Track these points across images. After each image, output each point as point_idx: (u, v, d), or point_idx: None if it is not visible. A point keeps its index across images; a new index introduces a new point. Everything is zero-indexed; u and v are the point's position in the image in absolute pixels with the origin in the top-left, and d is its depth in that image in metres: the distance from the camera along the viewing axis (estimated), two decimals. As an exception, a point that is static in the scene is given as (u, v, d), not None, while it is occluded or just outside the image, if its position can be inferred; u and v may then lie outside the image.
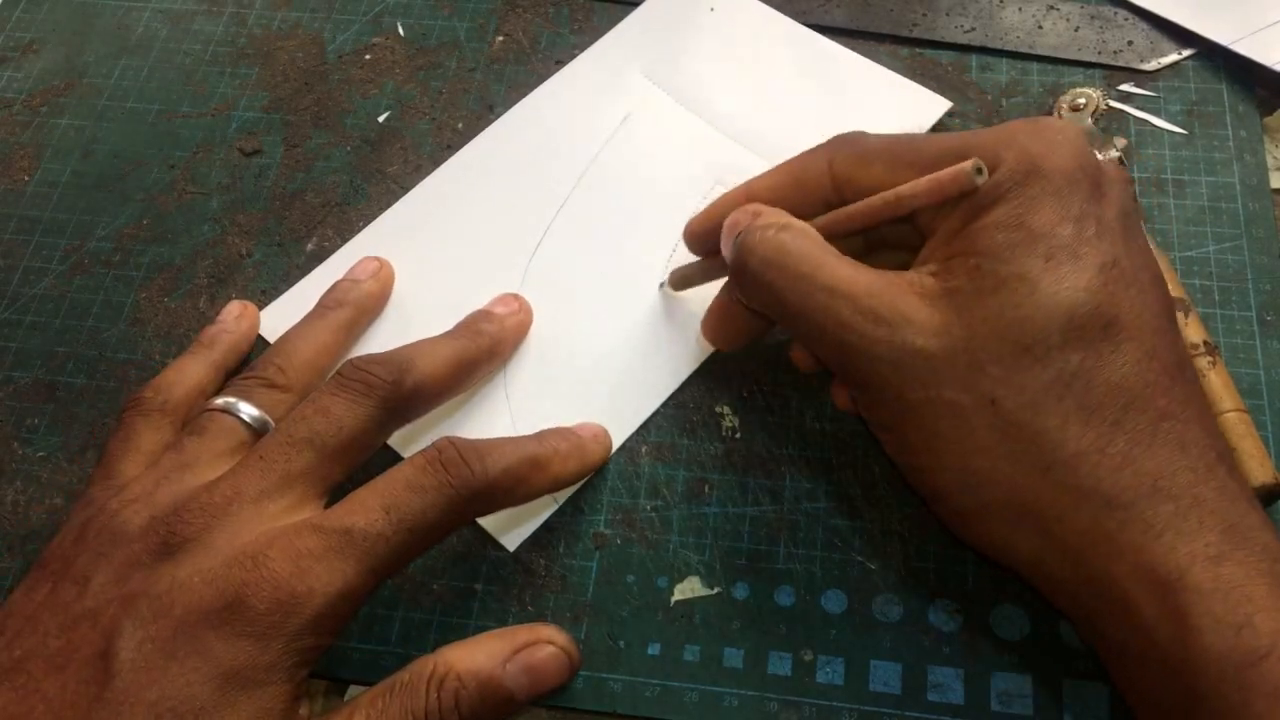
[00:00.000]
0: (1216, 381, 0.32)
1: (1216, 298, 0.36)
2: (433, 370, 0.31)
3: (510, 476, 0.29)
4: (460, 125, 0.42)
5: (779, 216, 0.29)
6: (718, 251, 0.32)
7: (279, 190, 0.41)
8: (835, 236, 0.29)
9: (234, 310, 0.37)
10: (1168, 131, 0.39)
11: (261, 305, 0.38)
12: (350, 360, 0.31)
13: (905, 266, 0.28)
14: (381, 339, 0.37)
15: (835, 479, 0.33)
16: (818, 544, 0.32)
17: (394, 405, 0.30)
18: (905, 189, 0.27)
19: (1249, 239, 0.37)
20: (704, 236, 0.33)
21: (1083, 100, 0.39)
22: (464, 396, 0.35)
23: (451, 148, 0.42)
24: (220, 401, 0.31)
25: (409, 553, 0.28)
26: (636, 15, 0.44)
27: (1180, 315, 0.33)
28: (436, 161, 0.41)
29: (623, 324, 0.37)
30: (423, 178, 0.41)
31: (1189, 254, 0.37)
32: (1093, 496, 0.24)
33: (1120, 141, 0.38)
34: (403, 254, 0.38)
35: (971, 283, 0.26)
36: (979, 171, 0.26)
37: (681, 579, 0.32)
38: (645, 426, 0.35)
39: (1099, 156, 0.28)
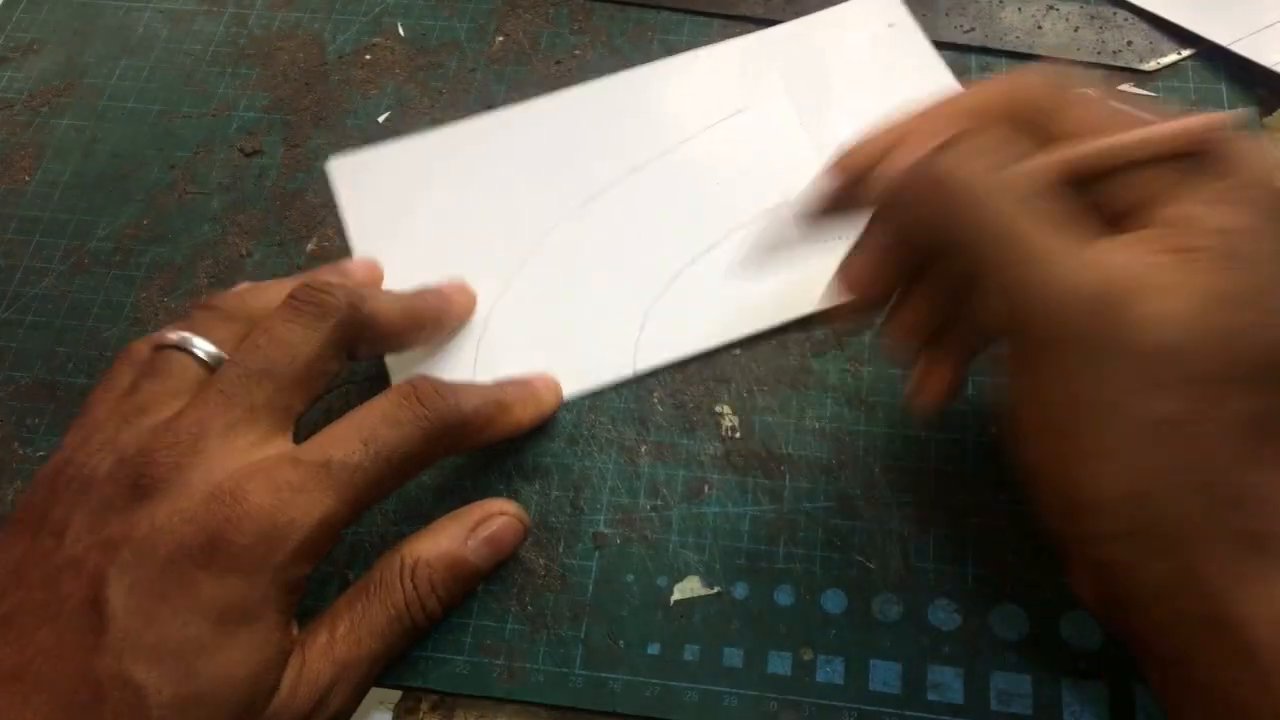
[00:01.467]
0: None
1: None
2: (386, 307, 0.31)
3: (480, 415, 0.30)
4: (460, 125, 0.42)
5: (979, 139, 0.24)
6: (857, 193, 0.27)
7: (279, 190, 0.41)
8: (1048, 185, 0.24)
9: (365, 264, 0.37)
10: (1167, 131, 0.39)
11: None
12: (303, 281, 0.30)
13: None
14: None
15: (835, 479, 0.33)
16: (818, 544, 0.32)
17: (348, 331, 0.30)
18: (1161, 129, 0.22)
19: (1249, 239, 0.37)
20: (855, 169, 0.27)
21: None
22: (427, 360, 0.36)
23: (452, 148, 0.42)
24: (175, 337, 0.30)
25: (386, 484, 0.28)
26: (800, 22, 0.43)
27: None
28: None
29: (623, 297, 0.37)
30: (423, 178, 0.41)
31: (1189, 254, 0.36)
32: (1266, 548, 0.22)
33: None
34: (447, 172, 0.41)
35: (1213, 283, 0.21)
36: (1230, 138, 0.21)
37: (681, 579, 0.32)
38: (645, 425, 0.35)
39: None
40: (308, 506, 0.26)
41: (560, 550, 0.33)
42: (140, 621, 0.25)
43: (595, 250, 0.38)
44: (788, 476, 0.33)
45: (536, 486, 0.34)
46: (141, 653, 0.24)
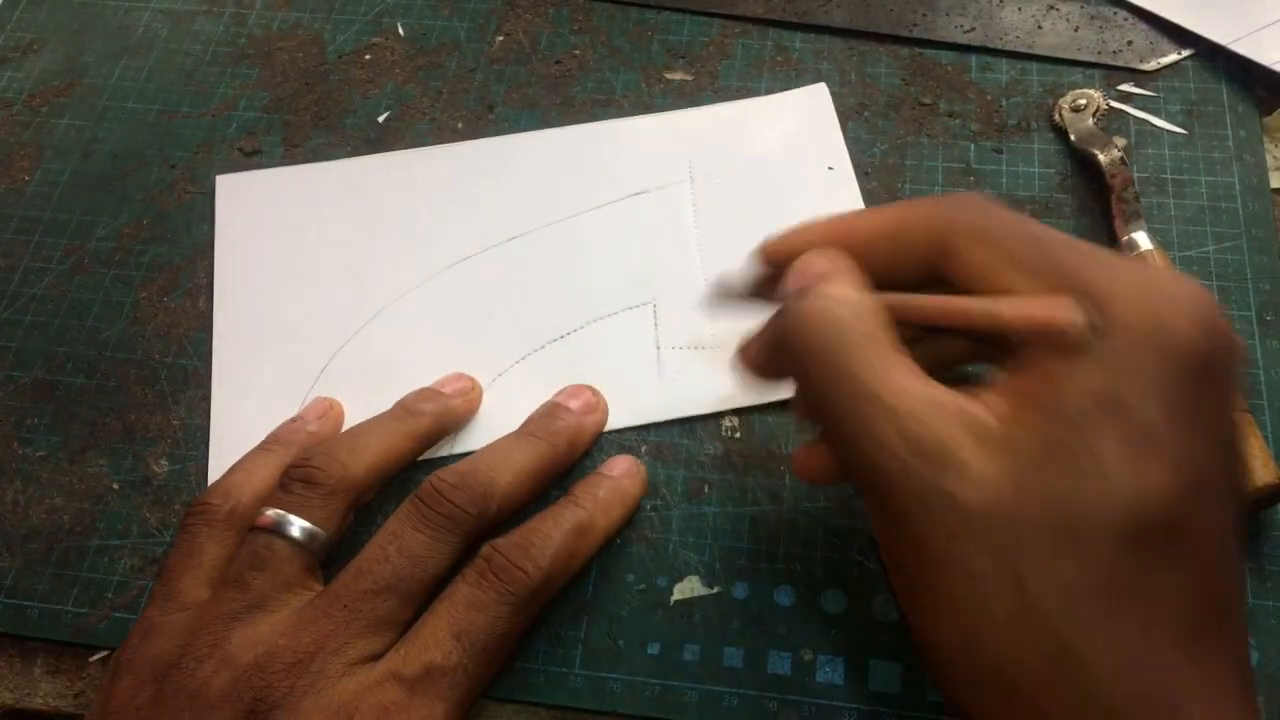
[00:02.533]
0: None
1: (1216, 297, 0.35)
2: (513, 489, 0.31)
3: (561, 559, 0.29)
4: (460, 125, 0.42)
5: (848, 287, 0.25)
6: (777, 279, 0.28)
7: (279, 190, 0.41)
8: (906, 323, 0.25)
9: (318, 409, 0.35)
10: (1167, 131, 0.39)
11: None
12: (430, 483, 0.30)
13: (963, 360, 0.26)
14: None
15: (835, 479, 0.33)
16: (818, 544, 0.32)
17: (477, 535, 0.30)
18: (1005, 312, 0.24)
19: (1248, 239, 0.37)
20: (776, 259, 0.28)
21: (1083, 101, 0.39)
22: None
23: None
24: (271, 516, 0.29)
25: (489, 672, 0.28)
26: (729, 106, 0.42)
27: None
28: (436, 161, 0.41)
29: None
30: (422, 178, 0.41)
31: (1188, 254, 0.37)
32: (1096, 701, 0.22)
33: (1120, 141, 0.38)
34: (328, 206, 0.40)
35: (1037, 443, 0.22)
36: (1092, 329, 0.22)
37: (681, 579, 0.32)
38: (645, 426, 0.35)
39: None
40: (427, 712, 0.26)
41: (560, 550, 0.33)
42: None
43: (445, 318, 0.37)
44: (788, 476, 0.33)
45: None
46: None
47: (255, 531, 0.29)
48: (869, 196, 0.39)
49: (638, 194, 0.39)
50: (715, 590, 0.32)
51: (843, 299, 0.25)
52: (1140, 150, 0.39)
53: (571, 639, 0.31)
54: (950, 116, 0.41)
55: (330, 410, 0.35)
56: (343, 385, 0.36)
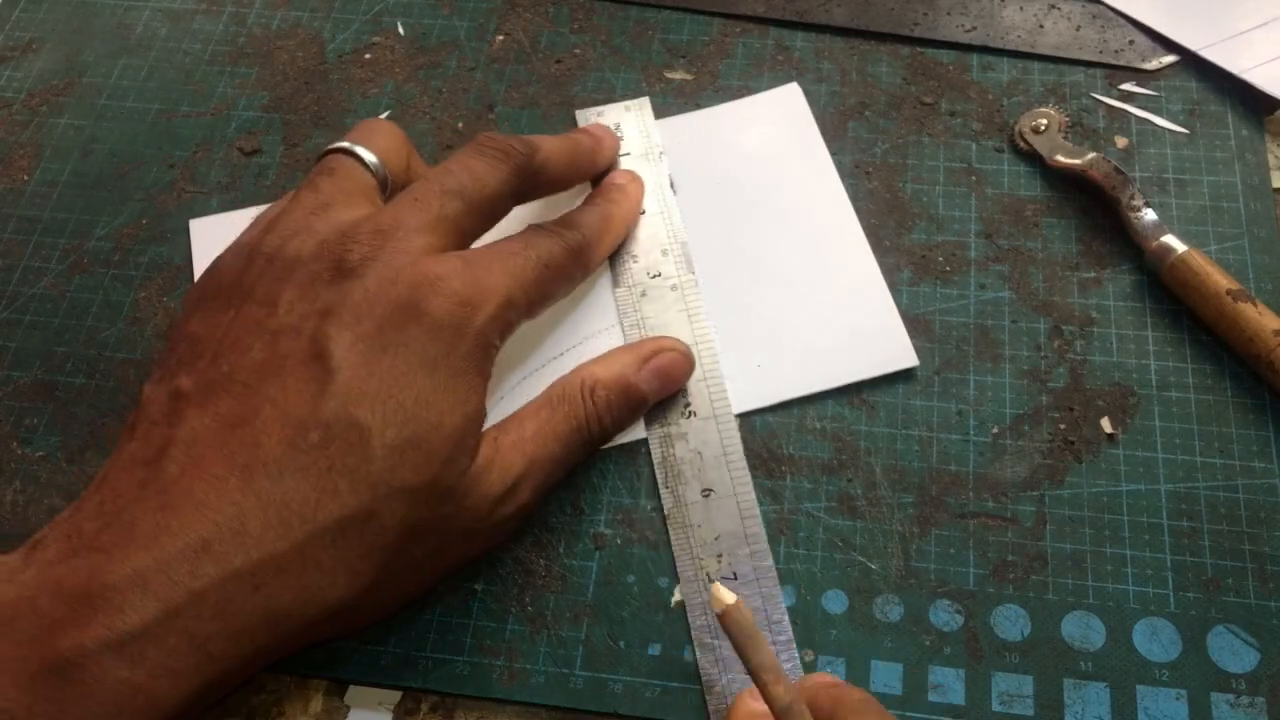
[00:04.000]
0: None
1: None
2: (555, 154, 0.34)
3: (606, 242, 0.35)
4: (460, 124, 0.42)
5: None
6: None
7: (279, 190, 0.41)
8: None
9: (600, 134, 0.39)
10: (1169, 131, 0.39)
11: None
12: (483, 133, 0.33)
13: None
14: None
15: (835, 479, 0.33)
16: (818, 544, 0.32)
17: (525, 175, 0.33)
18: None
19: (1250, 238, 0.37)
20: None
21: (1043, 121, 0.39)
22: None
23: (452, 147, 0.42)
24: (344, 143, 0.33)
25: (544, 291, 0.32)
26: (695, 116, 0.41)
27: (1250, 305, 0.33)
28: (436, 161, 0.41)
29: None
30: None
31: (1190, 253, 0.36)
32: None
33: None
34: None
35: None
36: None
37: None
38: (645, 426, 0.35)
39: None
40: (492, 284, 0.30)
41: (561, 551, 0.33)
42: (363, 371, 0.27)
43: None
44: (788, 477, 0.33)
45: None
46: (366, 399, 0.27)
47: (330, 153, 0.33)
48: (870, 195, 0.39)
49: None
50: (716, 591, 0.31)
51: None
52: (1142, 150, 0.39)
53: (572, 640, 0.31)
54: (951, 116, 0.41)
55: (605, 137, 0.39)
56: None
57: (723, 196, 0.39)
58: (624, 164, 0.39)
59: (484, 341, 0.29)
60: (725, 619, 0.26)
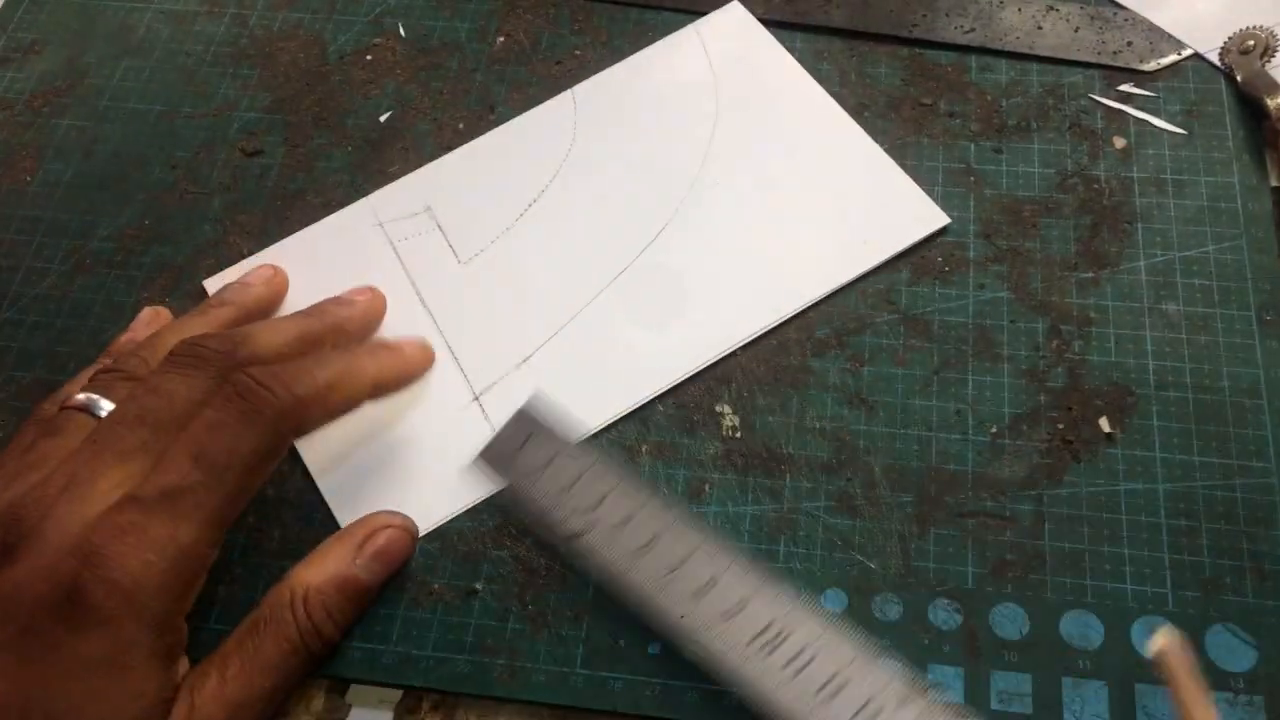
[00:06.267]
0: None
1: (1216, 297, 0.36)
2: (270, 342, 0.31)
3: (318, 389, 0.29)
4: (461, 125, 0.42)
5: None
6: None
7: (280, 190, 0.41)
8: None
9: (261, 274, 0.37)
10: (1167, 131, 0.39)
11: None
12: (183, 339, 0.30)
13: None
14: None
15: (835, 479, 0.33)
16: (818, 544, 0.32)
17: (228, 375, 0.29)
18: None
19: (1248, 239, 0.37)
20: None
21: (1251, 42, 0.39)
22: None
23: (452, 148, 0.42)
24: (81, 398, 0.30)
25: (237, 495, 0.27)
26: (672, 39, 0.43)
27: None
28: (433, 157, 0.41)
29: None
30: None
31: (1188, 254, 0.37)
32: None
33: (1119, 141, 0.38)
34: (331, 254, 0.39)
35: None
36: None
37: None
38: (645, 425, 0.35)
39: None
40: (159, 544, 0.26)
41: (561, 550, 0.33)
42: (6, 685, 0.25)
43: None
44: (788, 476, 0.33)
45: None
46: (7, 716, 0.24)
47: (62, 410, 0.30)
48: (869, 197, 0.39)
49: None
50: (716, 590, 0.32)
51: None
52: (1140, 150, 0.39)
53: (572, 639, 0.31)
54: (950, 117, 0.41)
55: (273, 275, 0.37)
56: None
57: (703, 124, 0.40)
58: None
59: (154, 622, 0.26)
60: (1163, 659, 0.25)
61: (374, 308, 0.37)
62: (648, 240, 0.38)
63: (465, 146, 0.42)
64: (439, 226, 0.40)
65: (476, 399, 0.36)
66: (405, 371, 0.34)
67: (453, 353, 0.37)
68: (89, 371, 0.34)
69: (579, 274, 0.38)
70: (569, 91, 0.42)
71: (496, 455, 0.31)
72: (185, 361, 0.29)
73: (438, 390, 0.36)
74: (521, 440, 0.30)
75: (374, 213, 0.40)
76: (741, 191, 0.39)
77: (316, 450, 0.35)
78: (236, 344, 0.30)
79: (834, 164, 0.39)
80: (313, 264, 0.39)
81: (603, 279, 0.38)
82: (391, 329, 0.38)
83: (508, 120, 0.42)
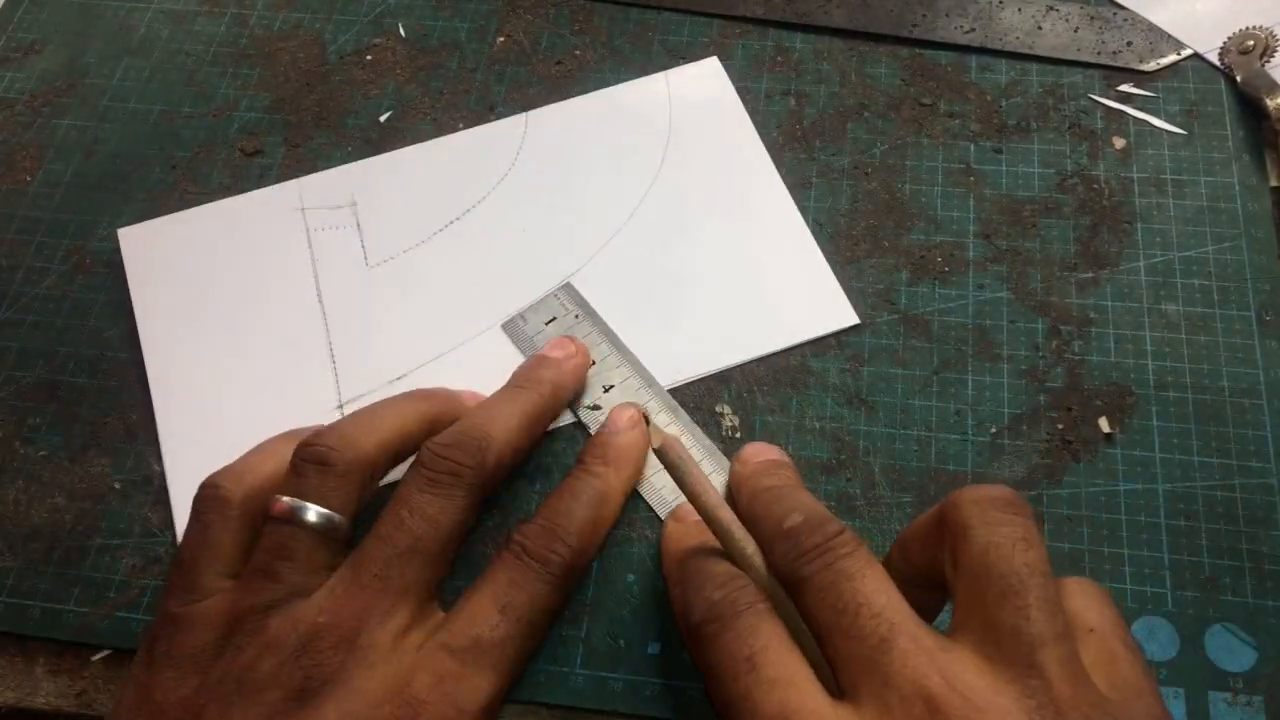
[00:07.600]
0: None
1: (1215, 297, 0.36)
2: (508, 437, 0.31)
3: (587, 531, 0.30)
4: (461, 125, 0.42)
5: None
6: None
7: (280, 190, 0.41)
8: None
9: (560, 344, 0.35)
10: (1167, 131, 0.39)
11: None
12: (427, 448, 0.30)
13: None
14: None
15: (835, 479, 0.33)
16: (818, 543, 0.32)
17: (481, 487, 0.30)
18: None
19: (1248, 239, 0.37)
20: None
21: (1251, 42, 0.39)
22: None
23: (452, 148, 0.42)
24: (286, 503, 0.28)
25: (532, 645, 0.29)
26: (628, 86, 0.43)
27: None
28: (437, 162, 0.41)
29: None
30: (423, 178, 0.41)
31: (1188, 254, 0.37)
32: None
33: (1119, 142, 0.38)
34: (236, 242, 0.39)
35: None
36: None
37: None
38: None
39: None
40: (472, 694, 0.27)
41: (561, 550, 0.33)
42: None
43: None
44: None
45: (537, 487, 0.34)
46: None
47: (273, 522, 0.28)
48: (869, 196, 0.39)
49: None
50: (715, 590, 0.32)
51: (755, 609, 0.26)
52: (1140, 150, 0.39)
53: (572, 638, 0.31)
54: (950, 117, 0.41)
55: (572, 346, 0.35)
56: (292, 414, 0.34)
57: (646, 173, 0.40)
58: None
59: None
60: (662, 452, 0.28)
61: (581, 365, 0.35)
62: (559, 281, 0.37)
63: (411, 148, 0.41)
64: (358, 224, 0.39)
65: (340, 407, 0.35)
66: (639, 466, 0.33)
67: (332, 355, 0.36)
68: (279, 441, 0.31)
69: (480, 302, 0.37)
70: (523, 115, 0.42)
71: None
72: (441, 480, 0.29)
73: (305, 390, 0.36)
74: None
75: (299, 196, 0.40)
76: (666, 248, 0.38)
77: (173, 429, 0.35)
78: (482, 451, 0.30)
79: (765, 243, 0.38)
80: (229, 235, 0.39)
81: (503, 311, 0.37)
82: (280, 319, 0.37)
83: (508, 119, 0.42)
